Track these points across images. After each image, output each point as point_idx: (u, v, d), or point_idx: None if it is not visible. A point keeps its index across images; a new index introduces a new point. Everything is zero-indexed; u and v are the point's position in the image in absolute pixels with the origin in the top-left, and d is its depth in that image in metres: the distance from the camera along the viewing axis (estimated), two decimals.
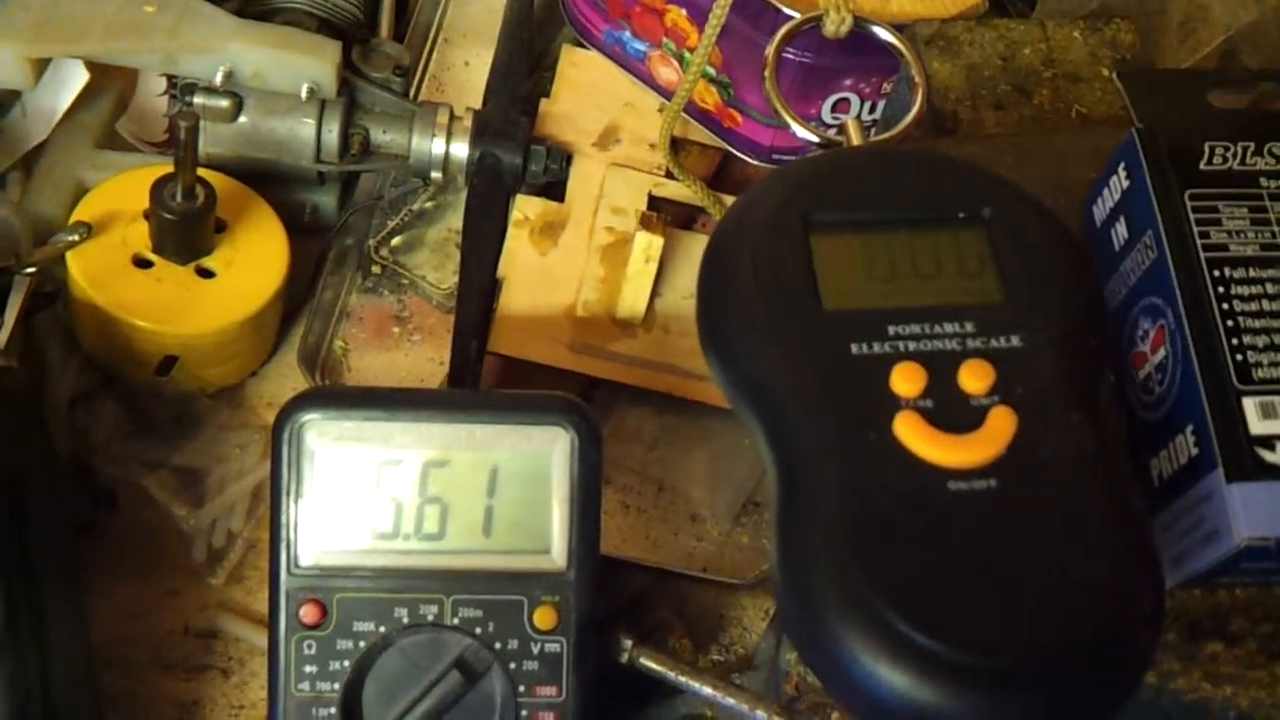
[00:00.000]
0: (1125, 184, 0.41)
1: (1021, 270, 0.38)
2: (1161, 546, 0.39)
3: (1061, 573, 0.33)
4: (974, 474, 0.34)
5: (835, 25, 0.47)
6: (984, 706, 0.32)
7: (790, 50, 0.52)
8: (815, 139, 0.45)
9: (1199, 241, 0.39)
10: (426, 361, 0.56)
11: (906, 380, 0.35)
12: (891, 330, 0.36)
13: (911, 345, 0.36)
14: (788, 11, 0.51)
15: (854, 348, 0.36)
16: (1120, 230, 0.41)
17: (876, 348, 0.36)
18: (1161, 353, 0.39)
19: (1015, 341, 0.36)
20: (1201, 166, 0.40)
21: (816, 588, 0.34)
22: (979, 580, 0.33)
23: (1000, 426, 0.35)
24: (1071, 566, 0.33)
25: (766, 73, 0.46)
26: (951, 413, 0.35)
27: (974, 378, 0.36)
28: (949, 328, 0.36)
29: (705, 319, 0.40)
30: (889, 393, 0.35)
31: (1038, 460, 0.35)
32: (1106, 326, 0.39)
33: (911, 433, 0.35)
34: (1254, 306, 0.38)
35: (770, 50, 0.46)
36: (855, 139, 0.44)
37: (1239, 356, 0.37)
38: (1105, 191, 0.42)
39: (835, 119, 0.55)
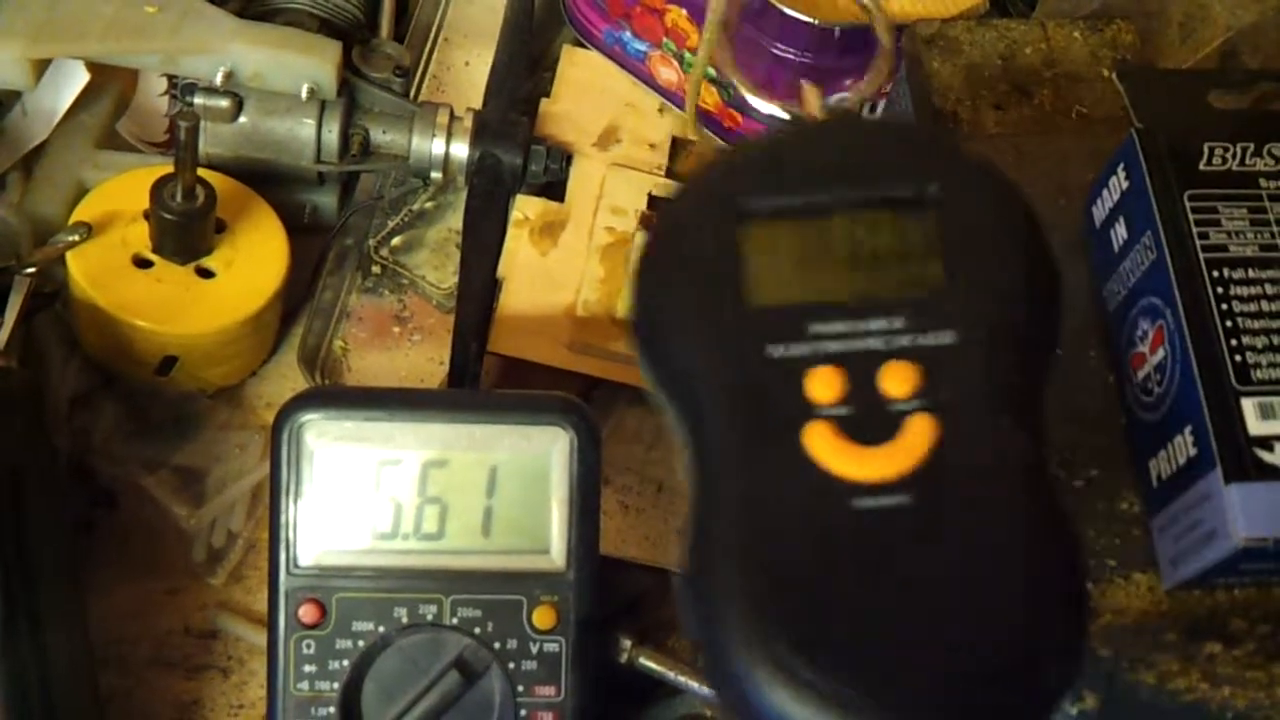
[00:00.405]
0: (1125, 184, 0.41)
1: (966, 255, 0.34)
2: (1160, 549, 0.39)
3: (971, 603, 0.31)
4: (883, 489, 0.32)
5: None
6: None
7: (789, 50, 0.52)
8: (775, 110, 0.41)
9: (1198, 242, 0.38)
10: (426, 361, 0.56)
11: (822, 385, 0.33)
12: (812, 329, 0.34)
13: (833, 346, 0.33)
14: (789, 12, 0.51)
15: (770, 349, 0.33)
16: (1120, 231, 0.41)
17: (794, 349, 0.33)
18: (1160, 353, 0.39)
19: (946, 338, 0.33)
20: (1201, 167, 0.40)
21: (711, 606, 0.31)
22: (877, 608, 0.31)
23: (917, 436, 0.32)
24: (978, 594, 0.31)
25: (707, 35, 0.43)
26: (867, 421, 0.32)
27: (895, 381, 0.33)
28: (875, 324, 0.34)
29: (635, 309, 0.37)
30: (802, 399, 0.33)
31: (955, 474, 0.32)
32: (1056, 315, 0.35)
33: (820, 444, 0.32)
34: (1253, 307, 0.38)
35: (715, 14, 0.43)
36: (812, 107, 0.40)
37: (1238, 357, 0.37)
38: (1105, 192, 0.42)
39: None
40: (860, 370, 0.33)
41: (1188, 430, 0.37)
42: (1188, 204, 0.39)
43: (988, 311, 0.34)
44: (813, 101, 0.40)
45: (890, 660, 0.30)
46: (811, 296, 0.34)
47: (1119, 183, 0.41)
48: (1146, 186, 0.39)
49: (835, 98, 0.41)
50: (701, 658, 0.34)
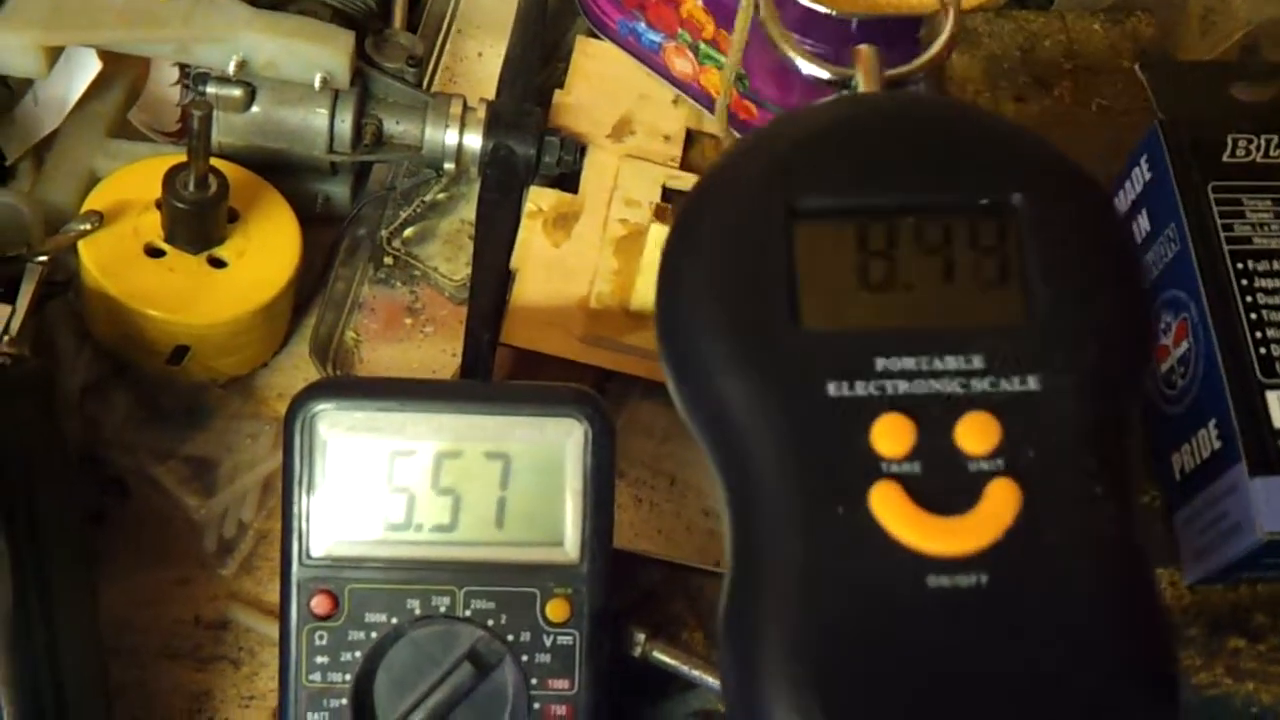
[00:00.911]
0: (1147, 176, 0.41)
1: (1053, 280, 0.29)
2: (1182, 543, 0.39)
3: (1054, 701, 0.27)
4: (960, 565, 0.28)
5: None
6: None
7: (806, 41, 0.52)
8: (823, 75, 0.36)
9: (1222, 234, 0.38)
10: (439, 353, 0.56)
11: (891, 437, 0.29)
12: (880, 364, 0.29)
13: (902, 386, 0.29)
14: (806, 4, 0.51)
15: (831, 387, 0.29)
16: (1142, 223, 0.41)
17: (859, 388, 0.29)
18: (1184, 346, 0.39)
19: (1032, 384, 0.29)
20: (1224, 159, 0.39)
21: (761, 685, 0.28)
22: (952, 703, 0.27)
23: (999, 504, 0.28)
24: (1068, 693, 0.27)
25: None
26: (941, 482, 0.28)
27: (974, 436, 0.29)
28: (951, 362, 0.29)
29: (661, 324, 0.32)
30: (869, 452, 0.29)
31: (1041, 550, 0.28)
32: (1152, 353, 0.32)
33: (889, 509, 0.28)
34: (1278, 300, 0.37)
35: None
36: (867, 80, 0.35)
37: (1263, 350, 0.37)
38: (1127, 184, 0.42)
39: None
40: (933, 420, 0.29)
41: (1212, 424, 0.37)
42: (1212, 196, 0.39)
43: (1080, 351, 0.29)
44: (868, 72, 0.35)
45: None
46: (876, 320, 0.30)
47: (1141, 174, 0.41)
48: (1170, 178, 0.39)
49: (893, 71, 0.36)
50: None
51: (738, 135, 0.59)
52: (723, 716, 0.49)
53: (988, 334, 0.29)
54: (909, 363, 0.29)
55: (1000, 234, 0.30)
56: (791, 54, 0.38)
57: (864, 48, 0.36)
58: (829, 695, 0.27)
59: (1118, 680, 0.27)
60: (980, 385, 0.29)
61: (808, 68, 0.37)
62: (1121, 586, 0.28)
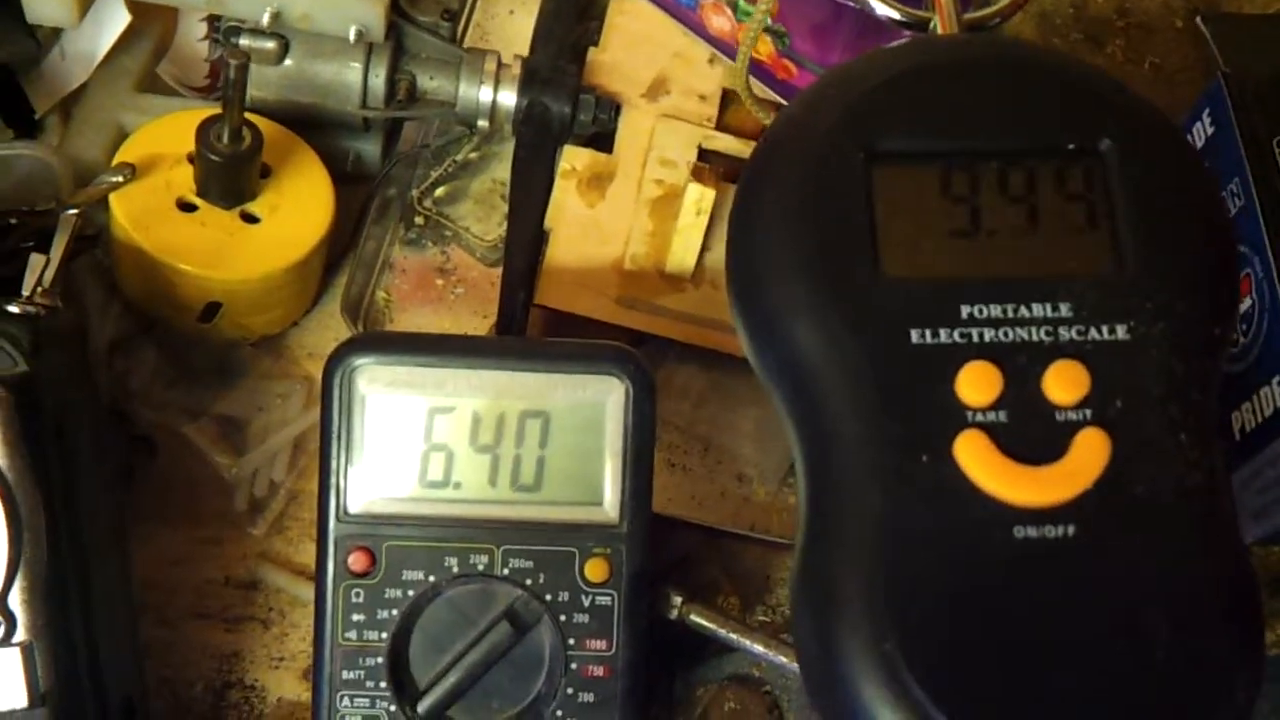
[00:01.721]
0: (1210, 130, 0.40)
1: (1142, 229, 0.29)
2: (1241, 503, 0.38)
3: (1141, 655, 0.27)
4: (1048, 516, 0.27)
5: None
6: None
7: None
8: (897, 16, 0.36)
9: None
10: (470, 315, 0.55)
11: (977, 385, 0.28)
12: (965, 312, 0.28)
13: (988, 334, 0.28)
14: None
15: (915, 335, 0.28)
16: None
17: (944, 336, 0.28)
18: (1248, 302, 0.38)
19: (1120, 333, 0.28)
20: None
21: (840, 643, 0.27)
22: (1039, 657, 0.27)
23: (1088, 455, 0.27)
24: (1157, 644, 0.27)
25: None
26: (1028, 432, 0.28)
27: (1062, 385, 0.28)
28: (1038, 310, 0.28)
29: (735, 272, 0.32)
30: (954, 400, 0.28)
31: (1129, 501, 0.27)
32: (1236, 308, 0.30)
33: (976, 458, 0.28)
34: None
35: None
36: (945, 23, 0.34)
37: None
38: (1189, 138, 0.41)
39: None
40: (1020, 368, 0.28)
41: (1276, 381, 0.36)
42: (1277, 150, 0.38)
43: (1169, 302, 0.29)
44: (947, 11, 0.34)
45: (1038, 714, 0.26)
46: (961, 270, 0.29)
47: (1204, 129, 0.40)
48: (1234, 132, 0.38)
49: (971, 14, 0.35)
50: (818, 696, 0.29)
51: (759, 96, 0.58)
52: (757, 681, 0.49)
53: (1076, 282, 0.29)
54: (995, 310, 0.29)
55: (1087, 180, 0.30)
56: None
57: None
58: (913, 646, 0.26)
59: (1206, 630, 0.27)
60: (1068, 334, 0.28)
61: (883, 9, 0.36)
62: (1209, 536, 0.28)
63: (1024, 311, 0.29)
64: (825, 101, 0.31)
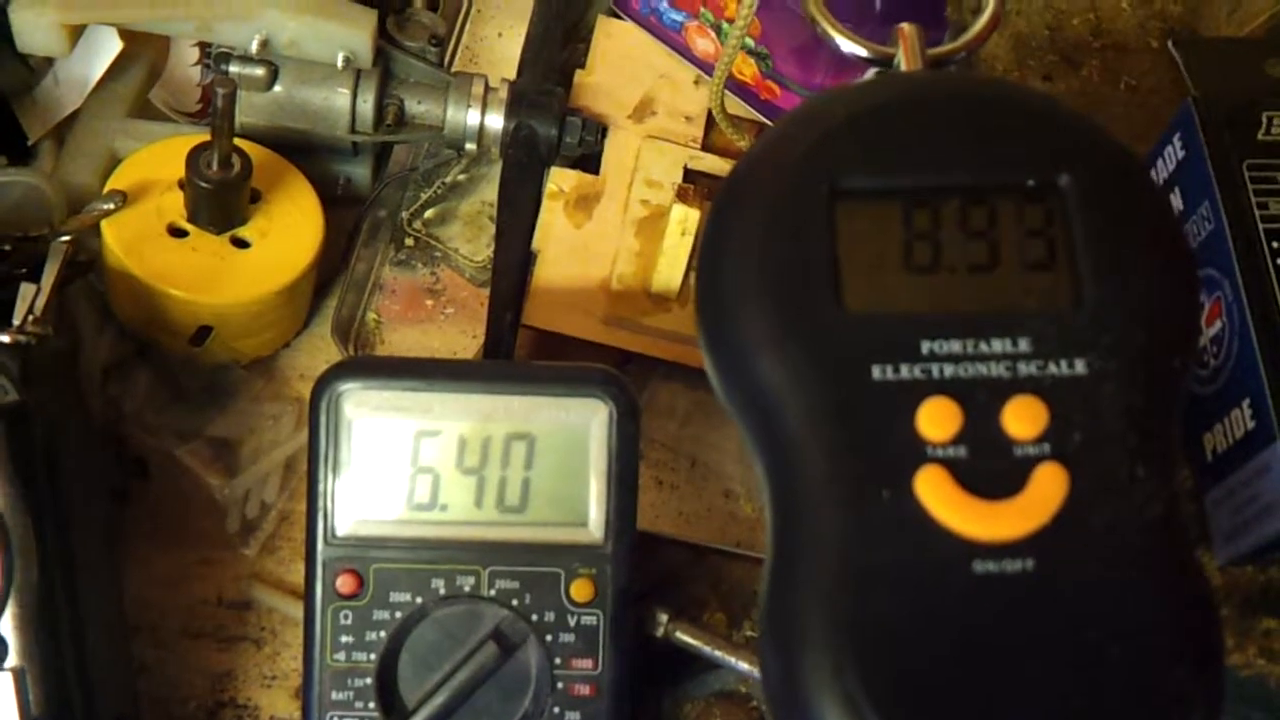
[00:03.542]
0: (1181, 154, 0.40)
1: (1101, 263, 0.29)
2: (1214, 523, 0.39)
3: (1101, 685, 0.27)
4: (1007, 551, 0.27)
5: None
6: None
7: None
8: (863, 53, 0.36)
9: (1257, 212, 0.38)
10: (459, 335, 0.56)
11: (937, 421, 0.28)
12: (925, 348, 0.29)
13: (948, 370, 0.29)
14: None
15: (876, 370, 0.29)
16: (1175, 201, 0.41)
17: (904, 372, 0.29)
18: (1218, 325, 0.38)
19: (1079, 368, 0.28)
20: (1259, 136, 0.39)
21: (804, 674, 0.27)
22: (1000, 691, 0.27)
23: (1046, 489, 0.28)
24: (1116, 677, 0.27)
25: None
26: (988, 467, 0.28)
27: (1021, 420, 0.28)
28: (997, 345, 0.29)
29: (701, 302, 0.32)
30: (914, 435, 0.28)
31: (1088, 534, 0.28)
32: (1196, 338, 0.30)
33: (935, 494, 0.28)
34: None
35: None
36: (909, 58, 0.35)
37: None
38: (1159, 162, 0.41)
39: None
40: (980, 404, 0.28)
41: (1246, 403, 0.37)
42: (1246, 174, 0.38)
43: (1127, 336, 0.29)
44: (910, 51, 0.35)
45: None
46: (922, 304, 0.29)
47: (1174, 152, 0.40)
48: (1204, 156, 0.39)
49: (935, 50, 0.35)
50: (771, 707, 0.30)
51: (739, 116, 0.58)
52: (744, 697, 0.49)
53: (1035, 317, 0.29)
54: (955, 346, 0.29)
55: (1047, 216, 0.30)
56: (832, 32, 0.37)
57: (906, 26, 0.36)
58: (874, 683, 0.27)
59: (1165, 661, 0.27)
60: (1027, 369, 0.29)
61: (848, 46, 0.37)
62: (1168, 568, 0.28)
63: (984, 347, 0.29)
64: (790, 138, 0.32)
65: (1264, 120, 0.39)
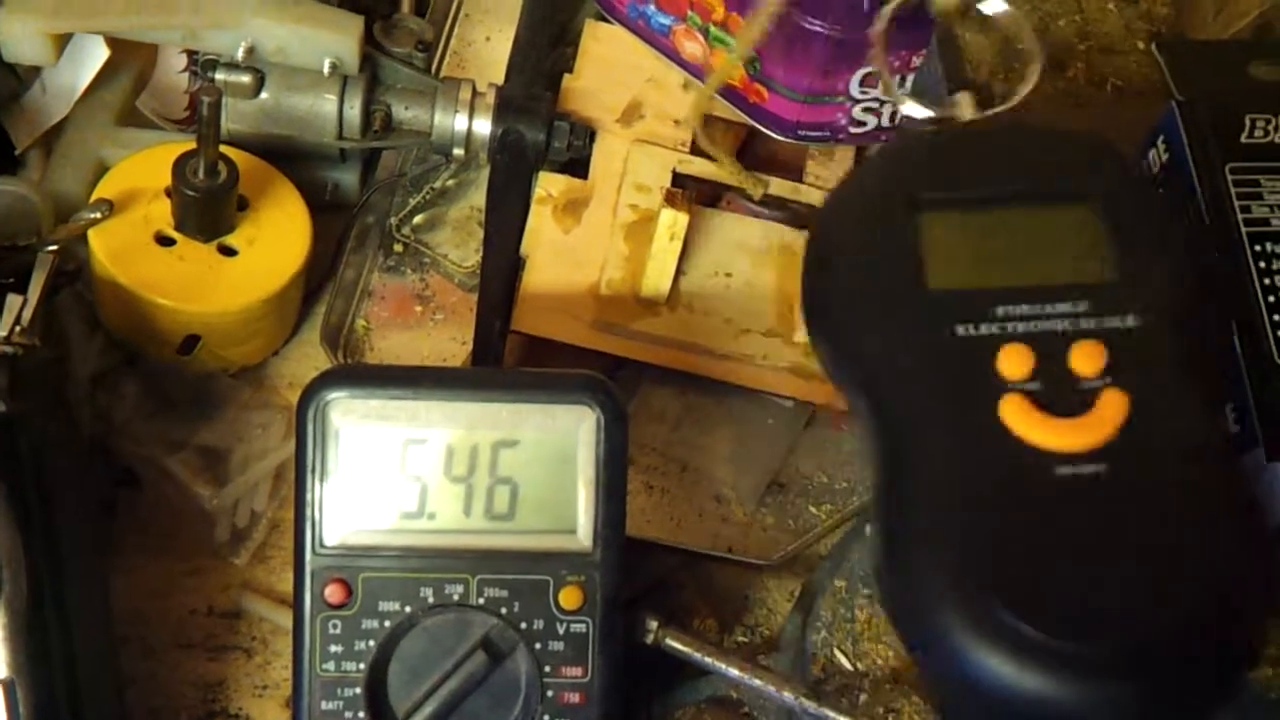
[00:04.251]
0: (1165, 157, 0.40)
1: (1134, 248, 0.37)
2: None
3: (1170, 561, 0.33)
4: (1083, 458, 0.34)
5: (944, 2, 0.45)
6: (1087, 694, 0.32)
7: (819, 24, 0.51)
8: (927, 112, 0.43)
9: (1240, 216, 0.38)
10: (449, 341, 0.56)
11: (1013, 362, 0.35)
12: (999, 311, 0.36)
13: (1019, 326, 0.36)
14: None
15: (959, 329, 0.36)
16: None
17: (983, 329, 0.36)
18: None
19: (1130, 321, 0.35)
20: (1243, 139, 0.39)
21: (919, 572, 0.34)
22: (1086, 567, 0.33)
23: (1111, 409, 0.34)
24: (1181, 554, 0.33)
25: (875, 50, 0.45)
26: (1060, 395, 0.34)
27: (1085, 359, 0.35)
28: (1059, 308, 0.36)
29: (810, 298, 0.40)
30: (995, 375, 0.35)
31: (1150, 444, 0.34)
32: (1210, 297, 0.38)
33: (1018, 416, 0.34)
34: None
35: (880, 25, 0.45)
36: (968, 113, 0.42)
37: None
38: (1144, 165, 0.41)
39: (863, 93, 0.54)
40: (1049, 349, 0.35)
41: (1229, 407, 0.37)
42: (1229, 177, 0.38)
43: (1163, 297, 0.36)
44: (968, 108, 0.42)
45: (1089, 611, 0.32)
46: (994, 282, 0.36)
47: (1159, 155, 0.41)
48: (1188, 159, 0.39)
49: (988, 113, 0.43)
50: (902, 628, 0.36)
51: (748, 118, 0.58)
52: (735, 703, 0.49)
53: (1086, 288, 0.36)
54: (1024, 308, 0.36)
55: (1086, 216, 0.37)
56: (898, 99, 0.45)
57: (962, 95, 0.43)
58: (989, 573, 0.33)
59: (1214, 549, 0.33)
60: (1087, 323, 0.36)
61: (913, 109, 0.44)
62: (1219, 476, 0.34)
63: (1048, 308, 0.36)
64: (877, 166, 0.41)
65: (1247, 123, 0.39)
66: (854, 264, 0.38)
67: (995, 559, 0.33)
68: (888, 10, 0.45)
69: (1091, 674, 0.31)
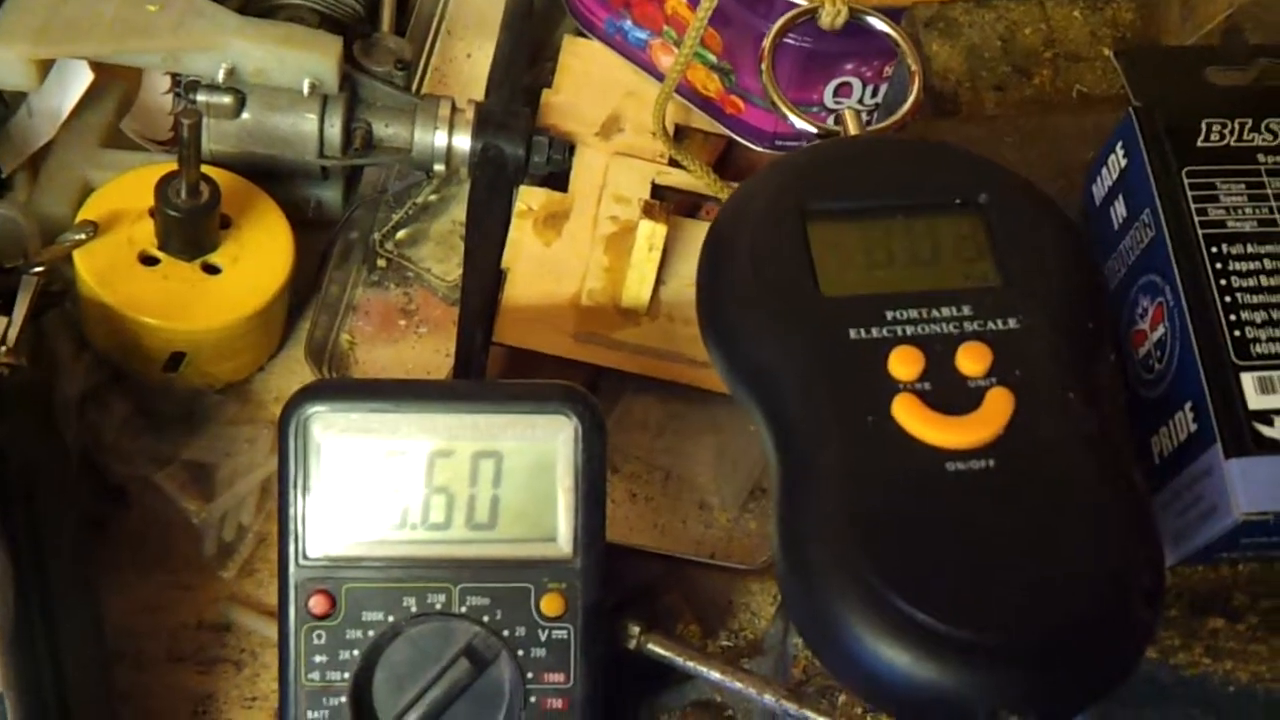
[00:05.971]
0: (1123, 163, 0.41)
1: (1018, 254, 0.38)
2: (1162, 525, 0.39)
3: (1059, 550, 0.34)
4: (972, 454, 0.35)
5: (831, 17, 0.47)
6: (983, 683, 0.32)
7: (790, 36, 0.52)
8: (813, 129, 0.45)
9: (1196, 218, 0.39)
10: (433, 353, 0.57)
11: (904, 363, 0.36)
12: (889, 315, 0.37)
13: (909, 329, 0.37)
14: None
15: (852, 332, 0.37)
16: (1119, 209, 0.41)
17: (874, 332, 0.37)
18: (1160, 330, 0.39)
19: (1012, 324, 0.37)
20: (1199, 144, 0.40)
21: (817, 569, 0.34)
22: (978, 559, 0.34)
23: (998, 407, 0.35)
24: (1069, 544, 0.34)
25: (764, 65, 0.46)
26: (949, 394, 0.36)
27: (971, 359, 0.36)
28: (946, 311, 0.37)
29: (705, 306, 0.40)
30: (887, 376, 0.36)
31: (1035, 440, 0.35)
32: (1105, 309, 0.39)
33: (909, 414, 0.35)
34: (1251, 282, 0.38)
35: (767, 42, 0.46)
36: (852, 128, 0.44)
37: (1237, 332, 0.37)
38: (1104, 171, 0.42)
39: (838, 103, 0.55)
40: (938, 350, 0.36)
41: (1188, 406, 0.37)
42: (1186, 181, 0.39)
43: (1045, 300, 0.37)
44: (852, 125, 0.44)
45: (983, 600, 0.33)
46: (883, 288, 0.38)
47: (1117, 161, 0.41)
48: (1145, 164, 0.40)
49: (872, 128, 0.45)
50: (804, 631, 0.37)
51: (725, 129, 0.59)
52: (720, 707, 0.50)
53: (972, 292, 0.37)
54: (913, 312, 0.37)
55: (972, 224, 0.39)
56: (790, 115, 0.47)
57: (846, 109, 0.45)
58: (878, 562, 0.34)
59: (1101, 537, 0.34)
60: (972, 326, 0.37)
61: (799, 123, 0.46)
62: (1103, 468, 0.35)
63: (935, 313, 0.37)
64: (768, 177, 0.41)
65: (1203, 127, 0.40)
66: (749, 272, 0.39)
67: (891, 553, 0.34)
68: (775, 27, 0.47)
69: (987, 660, 0.32)
